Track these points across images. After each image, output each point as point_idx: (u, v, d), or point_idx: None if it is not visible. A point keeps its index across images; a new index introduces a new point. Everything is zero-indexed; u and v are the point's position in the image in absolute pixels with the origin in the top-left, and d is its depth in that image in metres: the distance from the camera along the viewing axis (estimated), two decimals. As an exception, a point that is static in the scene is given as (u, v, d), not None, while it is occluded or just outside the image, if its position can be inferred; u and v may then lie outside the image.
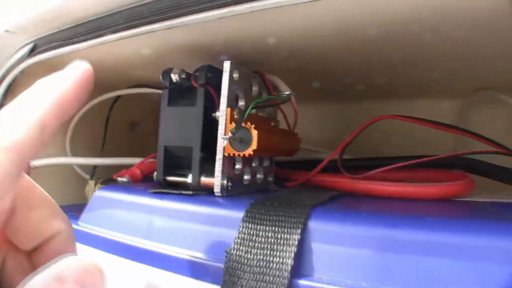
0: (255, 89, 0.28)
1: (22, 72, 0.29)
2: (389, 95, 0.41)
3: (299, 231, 0.19)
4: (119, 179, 0.33)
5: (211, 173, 0.26)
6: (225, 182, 0.25)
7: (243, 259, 0.19)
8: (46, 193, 0.18)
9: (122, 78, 0.40)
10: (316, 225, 0.20)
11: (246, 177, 0.28)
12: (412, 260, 0.18)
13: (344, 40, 0.25)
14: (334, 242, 0.19)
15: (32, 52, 0.27)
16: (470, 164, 0.29)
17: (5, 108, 0.15)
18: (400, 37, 0.25)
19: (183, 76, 0.27)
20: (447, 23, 0.23)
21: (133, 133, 0.50)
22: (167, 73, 0.27)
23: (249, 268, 0.19)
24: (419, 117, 0.30)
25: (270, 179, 0.32)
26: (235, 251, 0.20)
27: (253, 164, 0.29)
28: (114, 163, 0.37)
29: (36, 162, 0.35)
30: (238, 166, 0.27)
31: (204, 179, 0.25)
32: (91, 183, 0.34)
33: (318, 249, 0.19)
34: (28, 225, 0.17)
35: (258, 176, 0.30)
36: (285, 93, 0.28)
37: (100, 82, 0.40)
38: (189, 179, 0.26)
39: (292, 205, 0.21)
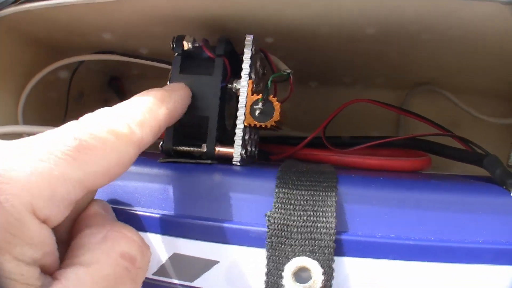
0: (258, 64, 0.29)
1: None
2: (344, 83, 0.45)
3: (334, 193, 0.22)
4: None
5: (224, 143, 0.26)
6: (243, 152, 0.25)
7: (287, 221, 0.21)
8: None
9: (84, 44, 0.36)
10: (344, 189, 0.22)
11: (248, 148, 0.29)
12: (428, 214, 0.22)
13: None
14: (362, 202, 0.22)
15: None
16: (426, 144, 0.35)
17: None
18: (376, 44, 0.30)
19: (196, 44, 0.26)
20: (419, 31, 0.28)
21: (79, 102, 0.45)
22: (179, 39, 0.26)
23: (295, 229, 0.21)
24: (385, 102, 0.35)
25: (256, 152, 0.33)
26: (277, 215, 0.21)
27: (251, 136, 0.30)
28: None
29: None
30: (246, 137, 0.27)
31: (220, 149, 0.26)
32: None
33: (350, 208, 0.22)
34: None
35: (253, 148, 0.31)
36: (287, 71, 0.30)
37: (64, 46, 0.36)
38: (203, 148, 0.26)
39: (318, 172, 0.23)
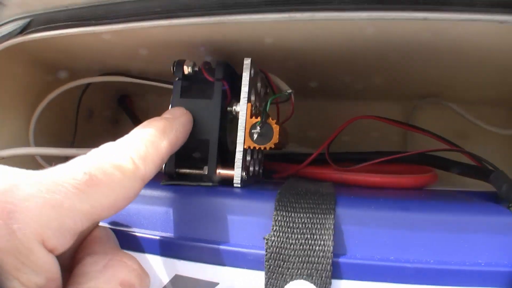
0: (258, 85, 0.30)
1: (6, 51, 0.26)
2: (352, 98, 0.45)
3: (332, 216, 0.22)
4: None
5: (225, 165, 0.26)
6: (244, 174, 0.26)
7: (285, 244, 0.21)
8: None
9: (92, 66, 0.38)
10: (343, 210, 0.22)
11: (250, 168, 0.29)
12: (427, 235, 0.21)
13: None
14: (361, 224, 0.22)
15: (26, 29, 0.25)
16: (432, 159, 0.34)
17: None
18: (377, 58, 0.30)
19: (196, 68, 0.27)
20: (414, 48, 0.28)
21: (89, 121, 0.47)
22: (179, 64, 0.27)
23: (293, 252, 0.21)
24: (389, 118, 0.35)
25: (260, 171, 0.34)
26: (275, 238, 0.21)
27: (254, 157, 0.30)
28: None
29: (2, 153, 0.31)
30: (248, 158, 0.28)
31: (220, 171, 0.26)
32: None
33: (348, 230, 0.22)
34: None
35: (256, 168, 0.31)
36: (287, 91, 0.30)
37: (72, 68, 0.37)
38: (204, 170, 0.26)
39: (317, 193, 0.24)
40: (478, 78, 0.34)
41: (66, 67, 0.37)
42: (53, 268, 0.15)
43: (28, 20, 0.25)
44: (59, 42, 0.30)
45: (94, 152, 0.19)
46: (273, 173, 0.35)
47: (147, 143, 0.20)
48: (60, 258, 0.17)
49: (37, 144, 0.36)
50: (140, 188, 0.19)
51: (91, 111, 0.47)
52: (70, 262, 0.19)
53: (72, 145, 0.39)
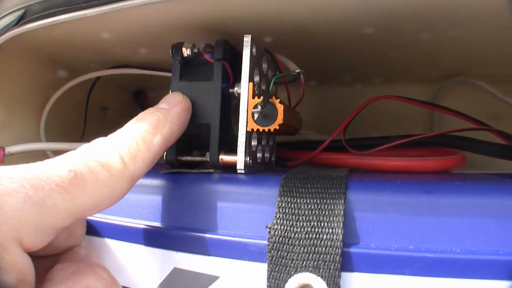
0: (264, 66, 0.28)
1: (6, 43, 0.26)
2: (370, 81, 0.43)
3: (342, 201, 0.20)
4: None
5: (228, 151, 0.25)
6: (248, 159, 0.24)
7: (289, 233, 0.19)
8: None
9: (97, 59, 0.37)
10: (355, 195, 0.20)
11: (259, 155, 0.27)
12: (452, 221, 0.19)
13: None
14: (376, 210, 0.20)
15: (21, 20, 0.24)
16: (457, 140, 0.31)
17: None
18: (392, 30, 0.27)
19: (195, 50, 0.25)
20: (436, 18, 0.25)
21: (103, 117, 0.46)
22: (178, 47, 0.25)
23: (297, 241, 0.19)
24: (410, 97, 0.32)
25: (273, 158, 0.32)
26: (278, 226, 0.19)
27: (262, 143, 0.28)
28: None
29: (11, 149, 0.31)
30: (254, 143, 0.26)
31: (223, 157, 0.24)
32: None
33: (361, 217, 0.20)
34: None
35: (266, 155, 0.30)
36: (296, 71, 0.28)
37: (79, 62, 0.37)
38: (207, 157, 0.25)
39: (326, 177, 0.21)
40: (510, 50, 0.31)
41: (72, 62, 0.37)
42: (26, 269, 0.15)
43: (22, 11, 0.25)
44: (58, 34, 0.29)
45: (83, 148, 0.18)
46: (287, 161, 0.33)
47: (138, 140, 0.19)
48: (42, 264, 0.17)
49: (49, 139, 0.36)
50: (129, 188, 0.18)
51: (106, 107, 0.47)
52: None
53: (81, 140, 0.38)
